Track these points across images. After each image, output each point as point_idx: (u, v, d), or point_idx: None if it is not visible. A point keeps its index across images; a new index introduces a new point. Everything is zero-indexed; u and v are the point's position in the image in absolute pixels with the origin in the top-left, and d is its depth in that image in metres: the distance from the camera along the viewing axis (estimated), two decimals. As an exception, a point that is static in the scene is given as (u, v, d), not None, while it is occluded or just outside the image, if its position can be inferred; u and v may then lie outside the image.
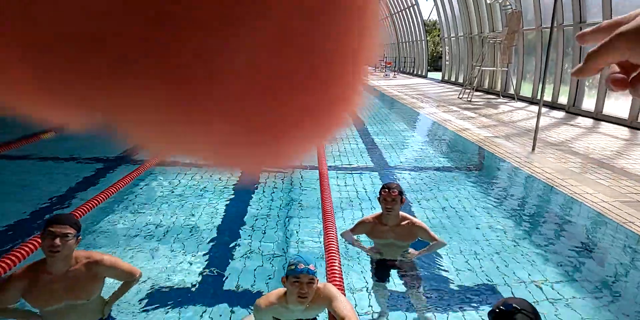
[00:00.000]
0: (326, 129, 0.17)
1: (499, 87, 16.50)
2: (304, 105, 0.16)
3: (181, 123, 0.15)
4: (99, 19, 0.12)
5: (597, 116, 10.89)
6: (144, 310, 2.93)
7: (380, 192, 3.07)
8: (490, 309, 1.69)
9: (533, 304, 1.75)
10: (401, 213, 3.13)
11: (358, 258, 3.62)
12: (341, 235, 3.33)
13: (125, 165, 6.18)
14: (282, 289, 2.26)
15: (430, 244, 3.17)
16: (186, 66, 0.13)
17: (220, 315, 2.91)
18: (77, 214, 3.73)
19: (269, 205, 4.92)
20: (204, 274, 3.45)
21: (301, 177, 5.82)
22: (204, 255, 3.76)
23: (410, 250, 3.24)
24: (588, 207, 4.61)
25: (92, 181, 5.76)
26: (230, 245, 3.96)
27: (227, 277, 3.41)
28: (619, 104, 10.39)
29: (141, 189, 5.41)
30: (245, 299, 3.10)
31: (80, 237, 2.17)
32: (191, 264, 3.58)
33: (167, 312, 2.93)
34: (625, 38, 0.38)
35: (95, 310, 2.33)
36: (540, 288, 3.28)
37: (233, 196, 5.24)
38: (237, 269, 3.52)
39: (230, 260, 3.69)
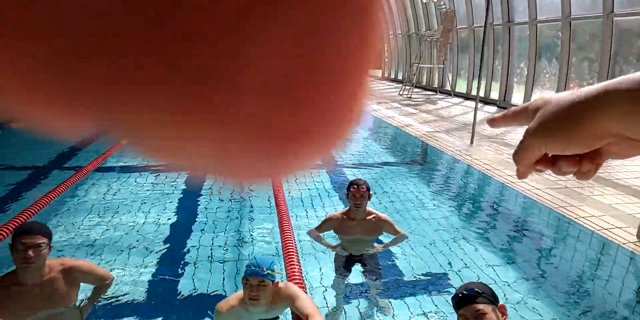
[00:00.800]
0: (337, 133, 0.16)
1: (436, 84, 17.20)
2: (316, 109, 0.15)
3: (187, 130, 0.14)
4: (100, 19, 0.12)
5: (526, 110, 11.65)
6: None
7: (348, 189, 3.11)
8: (454, 294, 1.77)
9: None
10: (367, 208, 3.19)
11: (317, 255, 3.67)
12: (307, 233, 3.33)
13: (62, 171, 5.84)
14: (242, 291, 2.25)
15: (394, 237, 3.25)
16: (192, 69, 0.13)
17: None
18: (14, 224, 3.50)
19: (219, 207, 4.82)
20: (155, 281, 3.31)
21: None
22: (153, 262, 3.61)
23: (375, 244, 3.30)
24: (523, 194, 4.95)
25: (27, 188, 5.38)
26: (181, 250, 3.83)
27: (180, 284, 3.30)
28: (544, 98, 11.18)
29: (81, 195, 5.11)
30: (201, 305, 3.02)
31: (52, 245, 2.12)
32: (141, 272, 3.42)
33: None
34: (534, 136, 0.41)
35: (72, 318, 2.27)
36: (485, 272, 3.48)
37: (180, 200, 5.08)
38: (189, 275, 3.41)
39: (182, 266, 3.57)
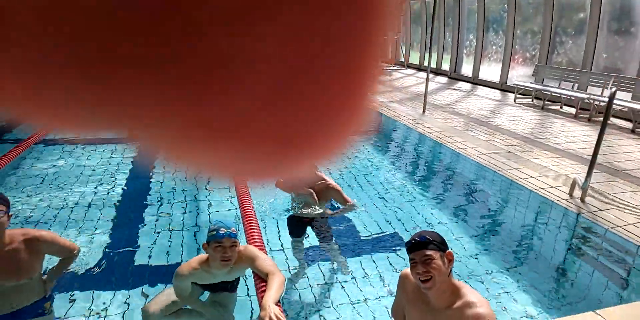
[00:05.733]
0: (342, 133, 0.16)
1: (390, 56, 17.40)
2: (320, 108, 0.14)
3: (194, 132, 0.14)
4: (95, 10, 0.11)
5: (474, 80, 12.13)
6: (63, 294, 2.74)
7: None
8: (407, 240, 1.91)
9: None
10: (319, 173, 3.28)
11: (274, 219, 3.78)
12: (276, 185, 3.37)
13: (2, 144, 5.58)
14: (203, 255, 2.27)
15: (343, 207, 3.36)
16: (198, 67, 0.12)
17: (138, 293, 2.83)
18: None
19: (172, 177, 4.79)
20: (112, 253, 3.30)
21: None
22: (108, 234, 3.56)
23: (327, 210, 3.42)
24: (471, 159, 5.26)
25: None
26: (138, 220, 3.81)
27: (137, 254, 3.30)
28: (491, 70, 11.67)
29: (25, 168, 4.98)
30: (160, 273, 3.04)
31: (11, 213, 2.04)
32: (96, 244, 3.38)
33: (77, 294, 2.78)
34: None
35: (36, 289, 2.20)
36: (437, 230, 3.74)
37: (132, 170, 5.04)
38: (147, 245, 3.41)
39: (139, 236, 3.55)
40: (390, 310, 2.22)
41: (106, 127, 0.14)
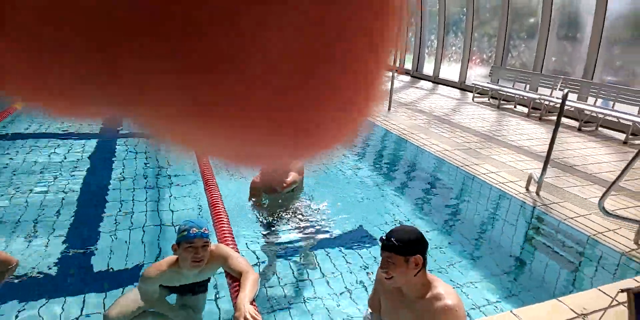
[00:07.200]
0: (350, 124, 0.15)
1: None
2: (330, 100, 0.14)
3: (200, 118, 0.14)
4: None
5: (435, 80, 12.53)
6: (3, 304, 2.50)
7: None
8: (382, 236, 1.97)
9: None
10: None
11: (244, 215, 3.72)
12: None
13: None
14: (172, 257, 2.18)
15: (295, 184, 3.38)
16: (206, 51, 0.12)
17: (94, 299, 2.64)
18: None
19: (133, 174, 4.63)
20: (68, 256, 3.09)
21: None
22: (64, 236, 3.35)
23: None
24: (434, 155, 5.48)
25: None
26: (96, 220, 3.61)
27: (97, 256, 3.10)
28: (451, 69, 12.09)
29: None
30: (120, 277, 2.88)
31: None
32: (49, 246, 3.16)
33: (29, 302, 2.53)
34: None
35: None
36: (402, 224, 3.90)
37: (88, 168, 4.82)
38: (106, 248, 3.21)
39: (98, 238, 3.35)
40: (367, 301, 2.31)
41: (115, 112, 0.14)
